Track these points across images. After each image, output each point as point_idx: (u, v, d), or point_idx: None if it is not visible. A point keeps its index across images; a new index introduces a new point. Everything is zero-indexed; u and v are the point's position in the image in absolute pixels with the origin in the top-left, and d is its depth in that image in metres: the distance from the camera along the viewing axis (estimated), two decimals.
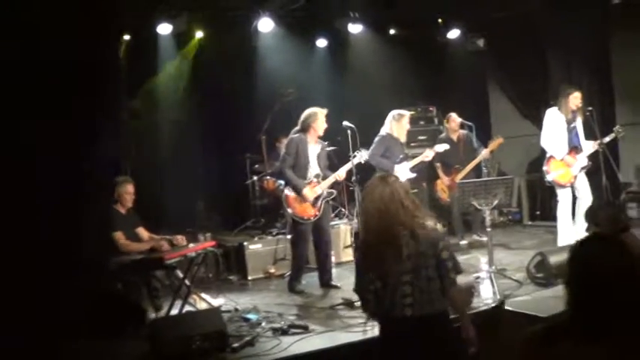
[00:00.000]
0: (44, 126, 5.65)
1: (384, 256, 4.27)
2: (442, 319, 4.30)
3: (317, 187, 8.43)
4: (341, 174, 8.66)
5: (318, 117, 8.30)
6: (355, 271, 4.62)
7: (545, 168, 9.24)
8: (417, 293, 4.22)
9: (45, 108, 5.69)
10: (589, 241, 2.72)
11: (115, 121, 7.81)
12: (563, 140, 9.11)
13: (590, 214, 8.64)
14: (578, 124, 9.20)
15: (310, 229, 8.44)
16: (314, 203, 8.36)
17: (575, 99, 9.07)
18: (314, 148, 8.46)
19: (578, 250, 2.69)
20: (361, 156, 8.55)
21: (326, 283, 8.49)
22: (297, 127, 8.40)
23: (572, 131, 9.14)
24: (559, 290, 2.69)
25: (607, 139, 9.07)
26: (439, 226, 4.42)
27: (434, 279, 4.25)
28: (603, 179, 9.18)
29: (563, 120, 9.11)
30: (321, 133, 8.42)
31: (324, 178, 8.51)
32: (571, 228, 9.10)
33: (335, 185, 8.76)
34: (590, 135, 9.29)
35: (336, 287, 8.37)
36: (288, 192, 8.39)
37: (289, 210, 8.34)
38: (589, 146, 9.06)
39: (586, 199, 9.17)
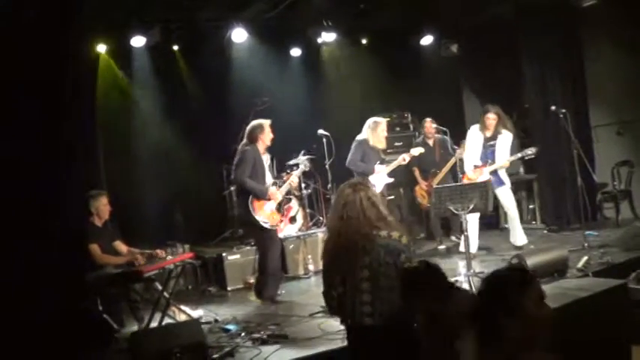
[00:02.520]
0: (15, 139, 5.61)
1: (341, 260, 4.33)
2: (403, 330, 4.20)
3: (277, 193, 8.56)
4: (294, 180, 9.04)
5: (264, 128, 8.44)
6: (322, 276, 4.65)
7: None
8: (377, 303, 4.24)
9: (15, 121, 5.65)
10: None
11: (90, 134, 7.80)
12: (476, 156, 9.53)
13: None
14: (500, 141, 9.48)
15: (276, 236, 8.53)
16: (278, 209, 8.45)
17: (487, 119, 9.50)
18: (265, 159, 8.59)
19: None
20: (305, 165, 9.08)
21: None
22: (245, 141, 8.49)
23: (488, 148, 9.52)
24: None
25: (519, 155, 9.44)
26: (404, 239, 4.39)
27: (394, 289, 4.16)
28: (579, 180, 9.28)
29: (480, 138, 9.56)
30: (268, 143, 8.54)
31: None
32: (476, 234, 9.52)
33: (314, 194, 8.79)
34: (565, 137, 9.41)
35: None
36: (252, 200, 8.34)
37: (257, 217, 8.26)
38: (499, 163, 9.33)
39: (509, 212, 9.68)
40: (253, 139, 8.39)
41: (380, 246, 4.29)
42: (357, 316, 4.28)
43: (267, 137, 8.44)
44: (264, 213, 8.32)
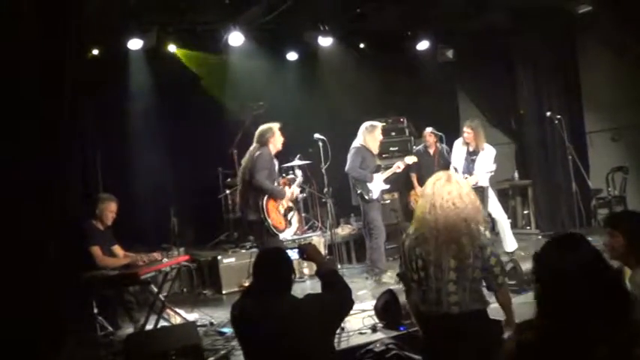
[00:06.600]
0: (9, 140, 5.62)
1: (441, 249, 4.39)
2: (482, 317, 4.47)
3: (291, 191, 8.57)
4: (296, 190, 9.07)
5: (275, 132, 8.32)
6: (401, 258, 4.69)
7: None
8: (461, 292, 4.37)
9: (11, 122, 5.66)
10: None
11: (84, 136, 7.80)
12: (459, 167, 9.70)
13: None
14: (481, 156, 9.60)
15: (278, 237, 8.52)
16: (285, 215, 8.40)
17: (463, 133, 9.76)
18: (275, 162, 8.55)
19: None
20: (298, 181, 9.18)
21: None
22: (255, 145, 8.34)
23: (470, 162, 9.69)
24: (531, 296, 2.71)
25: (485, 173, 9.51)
26: (487, 233, 4.52)
27: (477, 280, 4.42)
28: (573, 186, 9.32)
29: (463, 150, 9.77)
30: (279, 146, 8.45)
31: None
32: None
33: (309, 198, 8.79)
34: (559, 142, 9.46)
35: None
36: (266, 202, 8.22)
37: (269, 220, 8.15)
38: (473, 178, 9.30)
39: (500, 218, 9.77)
40: (264, 142, 8.28)
41: (469, 238, 4.40)
42: (444, 305, 4.38)
43: (277, 141, 8.35)
44: (274, 218, 8.26)
